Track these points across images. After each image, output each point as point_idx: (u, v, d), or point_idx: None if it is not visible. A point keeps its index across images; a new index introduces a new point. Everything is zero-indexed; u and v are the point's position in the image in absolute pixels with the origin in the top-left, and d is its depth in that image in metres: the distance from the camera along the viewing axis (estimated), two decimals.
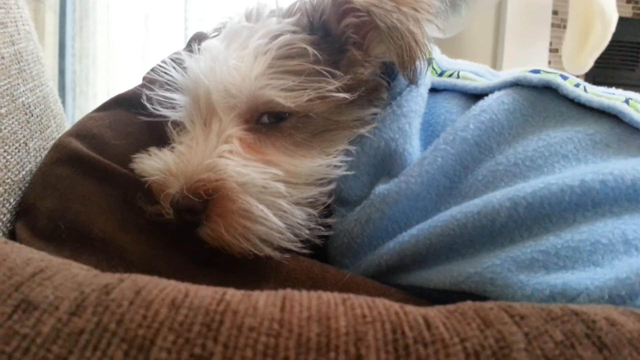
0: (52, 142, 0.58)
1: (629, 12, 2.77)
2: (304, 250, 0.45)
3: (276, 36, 0.47)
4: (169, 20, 2.25)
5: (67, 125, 0.67)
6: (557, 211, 0.39)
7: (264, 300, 0.21)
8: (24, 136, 0.53)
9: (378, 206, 0.46)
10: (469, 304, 0.22)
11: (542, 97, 0.46)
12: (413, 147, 0.48)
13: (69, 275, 0.22)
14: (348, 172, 0.47)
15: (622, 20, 2.45)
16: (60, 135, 0.60)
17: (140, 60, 2.28)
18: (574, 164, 0.42)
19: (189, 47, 0.63)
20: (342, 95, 0.45)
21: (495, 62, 2.84)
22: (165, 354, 0.18)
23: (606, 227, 0.37)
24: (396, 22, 0.45)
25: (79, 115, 2.26)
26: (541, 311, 0.20)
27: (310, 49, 0.46)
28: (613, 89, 0.47)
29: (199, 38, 0.65)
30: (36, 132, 0.57)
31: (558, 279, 0.36)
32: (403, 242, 0.45)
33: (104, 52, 2.30)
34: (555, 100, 0.46)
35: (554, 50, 2.81)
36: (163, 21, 2.27)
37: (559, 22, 2.73)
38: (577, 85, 0.46)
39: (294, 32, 0.47)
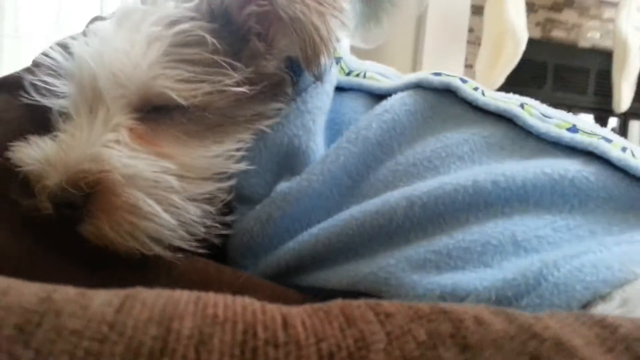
0: None
1: (537, 33, 2.96)
2: (200, 250, 0.43)
3: (173, 22, 0.44)
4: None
5: None
6: (450, 211, 0.39)
7: (101, 299, 0.19)
8: None
9: (279, 204, 0.44)
10: (338, 302, 0.21)
11: (442, 99, 0.46)
12: (317, 145, 0.46)
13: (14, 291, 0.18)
14: (249, 167, 0.45)
15: (531, 41, 2.62)
16: None
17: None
18: (469, 165, 0.42)
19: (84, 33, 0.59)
20: (241, 89, 0.43)
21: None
22: None
23: (497, 227, 0.38)
24: (299, 14, 0.43)
25: None
26: (409, 309, 0.19)
27: (209, 38, 0.43)
28: (510, 94, 0.48)
29: (96, 20, 0.61)
30: None
31: (449, 279, 0.36)
32: (303, 241, 0.43)
33: (10, 34, 2.14)
34: (454, 102, 0.46)
35: (469, 66, 2.95)
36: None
37: (474, 40, 2.86)
38: (476, 89, 0.46)
39: (192, 18, 0.45)
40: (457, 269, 0.37)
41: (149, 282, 0.40)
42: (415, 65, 2.95)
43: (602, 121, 3.49)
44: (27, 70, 0.52)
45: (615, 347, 0.18)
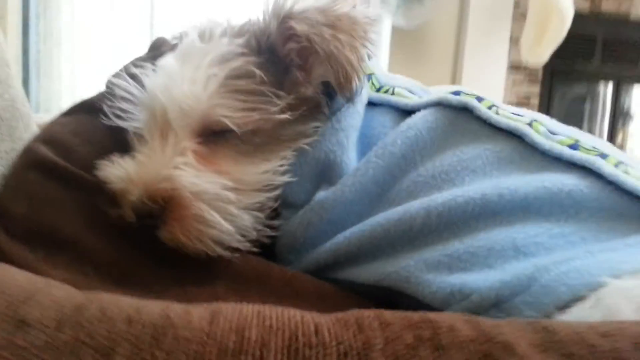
0: (20, 144, 0.62)
1: (586, 7, 2.88)
2: (253, 249, 0.52)
3: (227, 58, 0.52)
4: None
5: (33, 125, 0.71)
6: (462, 219, 0.46)
7: (198, 315, 0.27)
8: None
9: (317, 211, 0.52)
10: (354, 312, 0.29)
11: (460, 117, 0.53)
12: (349, 158, 0.54)
13: (51, 298, 0.27)
14: (292, 179, 0.54)
15: (579, 14, 2.56)
16: (28, 136, 0.64)
17: (105, 41, 2.27)
18: (480, 177, 0.49)
19: (150, 54, 0.68)
20: (284, 116, 0.51)
21: (458, 52, 2.92)
22: None
23: (500, 234, 0.44)
24: (333, 49, 0.51)
25: (44, 97, 2.25)
26: (404, 319, 0.27)
27: (257, 71, 0.52)
28: (523, 110, 0.54)
29: (160, 45, 0.70)
30: (6, 136, 0.61)
31: (458, 279, 0.43)
32: (338, 242, 0.51)
33: (68, 32, 2.29)
34: (470, 120, 0.52)
35: (514, 41, 2.91)
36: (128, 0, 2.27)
37: (519, 16, 2.81)
38: (491, 107, 0.52)
39: (242, 53, 0.53)
40: (466, 270, 0.44)
41: (213, 277, 0.50)
42: (458, 44, 2.93)
43: None
44: (103, 95, 0.61)
45: (551, 347, 0.25)
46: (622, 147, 3.72)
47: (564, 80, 3.21)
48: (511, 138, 0.50)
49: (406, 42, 2.95)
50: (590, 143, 0.49)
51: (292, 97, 0.53)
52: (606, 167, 0.45)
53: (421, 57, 2.90)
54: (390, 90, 0.59)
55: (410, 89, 0.60)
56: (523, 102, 3.04)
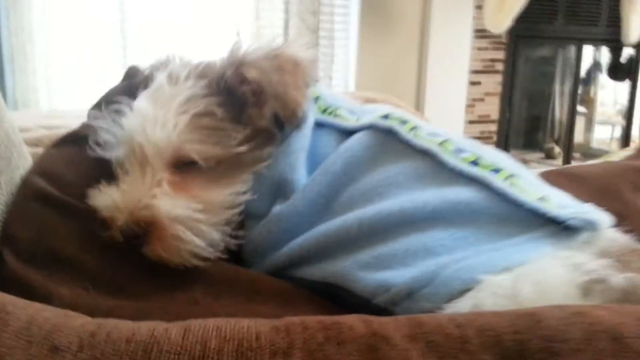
0: (17, 172, 0.72)
1: None
2: (223, 256, 0.63)
3: (192, 100, 0.62)
4: None
5: (26, 152, 0.80)
6: (386, 228, 0.58)
7: (175, 331, 0.38)
8: None
9: (275, 222, 0.64)
10: (286, 319, 0.40)
11: (387, 139, 0.64)
12: (300, 176, 0.65)
13: (73, 327, 0.38)
14: (253, 197, 0.65)
15: None
16: (22, 163, 0.74)
17: (78, 34, 2.31)
18: (403, 190, 0.60)
19: (124, 83, 0.78)
20: (242, 148, 0.62)
21: (424, 21, 2.99)
22: None
23: (415, 239, 0.56)
24: (280, 90, 0.61)
25: (20, 92, 2.30)
26: (319, 322, 0.38)
27: (218, 110, 0.62)
28: (439, 131, 0.65)
29: (133, 74, 0.79)
30: (4, 167, 0.71)
31: (382, 275, 0.55)
32: (292, 248, 0.63)
33: (40, 27, 2.31)
34: (395, 141, 0.64)
35: (478, 7, 2.99)
36: None
37: None
38: (411, 130, 0.64)
39: (205, 95, 0.63)
40: (388, 268, 0.56)
41: (191, 282, 0.61)
42: (425, 12, 3.00)
43: (616, 52, 3.50)
44: (86, 127, 0.71)
45: (418, 337, 0.37)
46: (592, 102, 3.86)
47: (528, 43, 3.31)
48: (426, 156, 0.62)
49: (375, 13, 3.01)
50: (490, 159, 0.60)
51: (249, 129, 0.63)
52: (495, 182, 0.57)
53: (390, 27, 2.97)
54: (334, 112, 0.70)
55: (350, 109, 0.71)
56: (488, 67, 3.14)
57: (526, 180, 0.59)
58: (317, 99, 0.71)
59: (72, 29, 2.27)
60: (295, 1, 2.86)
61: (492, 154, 0.62)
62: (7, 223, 0.65)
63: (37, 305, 0.43)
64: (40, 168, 0.68)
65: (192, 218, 0.60)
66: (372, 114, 0.68)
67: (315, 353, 0.36)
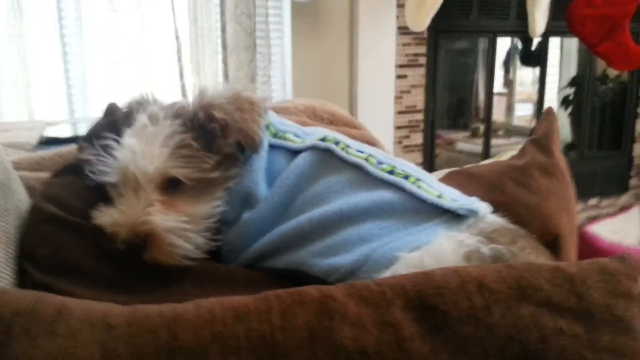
0: (16, 197, 0.86)
1: None
2: (206, 256, 0.81)
3: (171, 136, 0.79)
4: None
5: (17, 178, 0.93)
6: (331, 225, 0.78)
7: (191, 306, 0.56)
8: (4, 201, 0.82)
9: (245, 226, 0.82)
10: (266, 293, 0.59)
11: (326, 156, 0.84)
12: (261, 189, 0.84)
13: (116, 311, 0.56)
14: (226, 208, 0.83)
15: None
16: (18, 188, 0.88)
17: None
18: (341, 196, 0.80)
19: (107, 120, 0.93)
20: (215, 173, 0.80)
21: (352, 21, 3.20)
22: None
23: (353, 231, 0.76)
24: (242, 125, 0.79)
25: None
26: (291, 293, 0.57)
27: (193, 143, 0.79)
28: (364, 147, 0.86)
29: (113, 111, 0.94)
30: (8, 195, 0.85)
31: (331, 260, 0.75)
32: (261, 244, 0.82)
33: None
34: (332, 158, 0.84)
35: (401, 6, 3.23)
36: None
37: None
38: (344, 148, 0.84)
39: (182, 131, 0.80)
40: (335, 254, 0.76)
41: (182, 278, 0.79)
42: (352, 13, 3.21)
43: (526, 42, 3.88)
44: (81, 158, 0.86)
45: (352, 293, 0.57)
46: (511, 85, 4.23)
47: (446, 37, 3.61)
48: (355, 169, 0.82)
49: (305, 15, 3.19)
50: (401, 168, 0.82)
51: (219, 155, 0.81)
52: (407, 185, 0.78)
53: (320, 28, 3.16)
54: (283, 136, 0.89)
55: (296, 133, 0.90)
56: (412, 62, 3.40)
57: (428, 182, 0.81)
58: (267, 126, 0.90)
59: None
60: (230, 5, 2.99)
61: (403, 164, 0.83)
62: (25, 243, 0.79)
63: (86, 301, 0.59)
64: (48, 195, 0.83)
65: (180, 228, 0.78)
66: (312, 136, 0.88)
67: (287, 310, 0.56)
